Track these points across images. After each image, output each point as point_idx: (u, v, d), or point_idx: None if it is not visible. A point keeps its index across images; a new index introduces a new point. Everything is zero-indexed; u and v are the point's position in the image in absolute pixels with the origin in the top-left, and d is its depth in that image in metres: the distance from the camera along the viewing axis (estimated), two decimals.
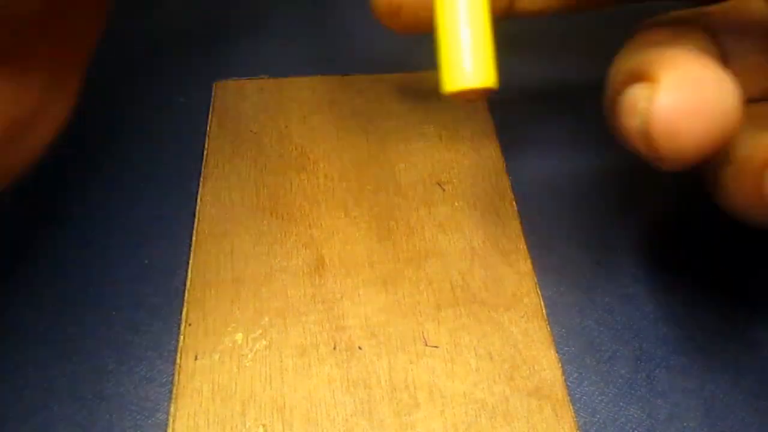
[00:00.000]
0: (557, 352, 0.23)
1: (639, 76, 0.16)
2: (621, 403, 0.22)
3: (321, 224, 0.25)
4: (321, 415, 0.20)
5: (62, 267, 0.25)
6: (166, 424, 0.20)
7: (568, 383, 0.22)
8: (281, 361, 0.21)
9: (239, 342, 0.22)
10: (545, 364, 0.22)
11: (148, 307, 0.24)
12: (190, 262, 0.24)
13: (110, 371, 0.22)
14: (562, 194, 0.28)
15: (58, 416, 0.21)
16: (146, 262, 0.25)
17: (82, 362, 0.22)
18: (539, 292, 0.23)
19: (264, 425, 0.20)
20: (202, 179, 0.26)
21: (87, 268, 0.25)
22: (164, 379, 0.22)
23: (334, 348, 0.22)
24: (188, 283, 0.23)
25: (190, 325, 0.22)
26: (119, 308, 0.24)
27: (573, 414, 0.21)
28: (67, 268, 0.24)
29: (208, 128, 0.29)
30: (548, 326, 0.23)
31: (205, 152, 0.27)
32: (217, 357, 0.21)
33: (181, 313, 0.23)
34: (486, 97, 0.24)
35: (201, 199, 0.26)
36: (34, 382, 0.22)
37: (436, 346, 0.22)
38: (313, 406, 0.21)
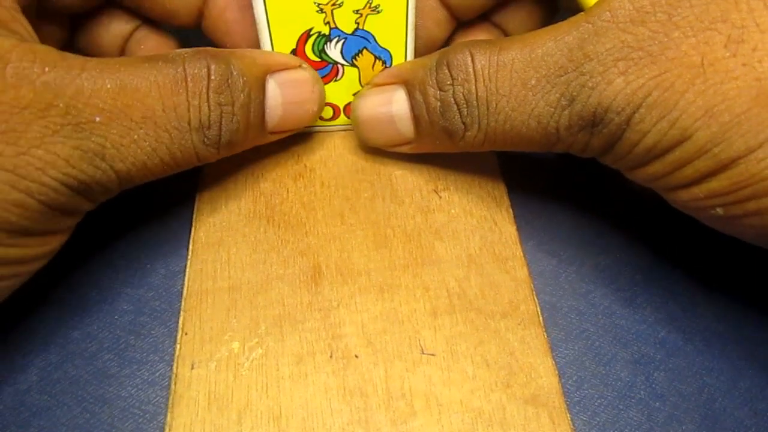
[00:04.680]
0: (556, 356, 0.23)
1: None
2: (620, 406, 0.22)
3: (317, 232, 0.25)
4: (317, 423, 0.20)
5: (64, 271, 0.25)
6: None
7: (568, 386, 0.22)
8: (278, 370, 0.21)
9: (236, 350, 0.22)
10: (542, 371, 0.22)
11: (149, 311, 0.24)
12: (187, 270, 0.24)
13: (112, 375, 0.22)
14: (560, 198, 0.28)
15: (60, 419, 0.21)
16: (148, 266, 0.25)
17: (84, 366, 0.23)
18: (536, 299, 0.23)
19: None
20: (199, 187, 0.26)
21: (88, 271, 0.25)
22: (165, 383, 0.22)
23: (331, 356, 0.22)
24: (185, 291, 0.23)
25: (186, 333, 0.22)
26: (121, 312, 0.24)
27: (570, 422, 0.21)
28: (69, 272, 0.25)
29: None
30: (545, 333, 0.23)
31: None
32: (213, 366, 0.21)
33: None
34: None
35: (198, 208, 0.26)
36: (37, 385, 0.22)
37: (432, 354, 0.22)
38: (309, 414, 0.21)
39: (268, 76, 0.24)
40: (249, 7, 0.24)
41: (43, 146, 0.18)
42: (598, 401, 0.22)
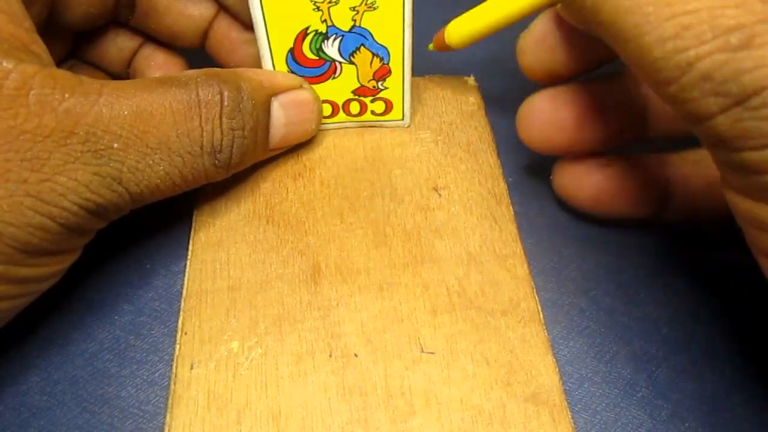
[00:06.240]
0: (557, 353, 0.22)
1: None
2: (622, 404, 0.22)
3: (317, 231, 0.25)
4: (317, 422, 0.20)
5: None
6: None
7: (569, 384, 0.22)
8: (277, 369, 0.21)
9: (235, 350, 0.22)
10: (542, 369, 0.21)
11: (149, 311, 0.24)
12: (186, 270, 0.24)
13: (112, 375, 0.23)
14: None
15: (60, 419, 0.21)
16: (148, 266, 0.25)
17: (84, 366, 0.23)
18: (536, 296, 0.23)
19: None
20: (199, 187, 0.26)
21: (88, 272, 0.25)
22: (165, 383, 0.22)
23: (330, 355, 0.22)
24: (184, 291, 0.23)
25: (185, 333, 0.22)
26: (121, 312, 0.24)
27: (571, 420, 0.20)
28: (69, 272, 0.25)
29: None
30: (545, 331, 0.22)
31: None
32: (212, 365, 0.21)
33: None
34: None
35: (197, 208, 0.26)
36: (37, 385, 0.22)
37: (432, 352, 0.22)
38: (308, 414, 0.20)
39: (272, 98, 0.24)
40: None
41: (65, 173, 0.19)
42: (600, 399, 0.22)
